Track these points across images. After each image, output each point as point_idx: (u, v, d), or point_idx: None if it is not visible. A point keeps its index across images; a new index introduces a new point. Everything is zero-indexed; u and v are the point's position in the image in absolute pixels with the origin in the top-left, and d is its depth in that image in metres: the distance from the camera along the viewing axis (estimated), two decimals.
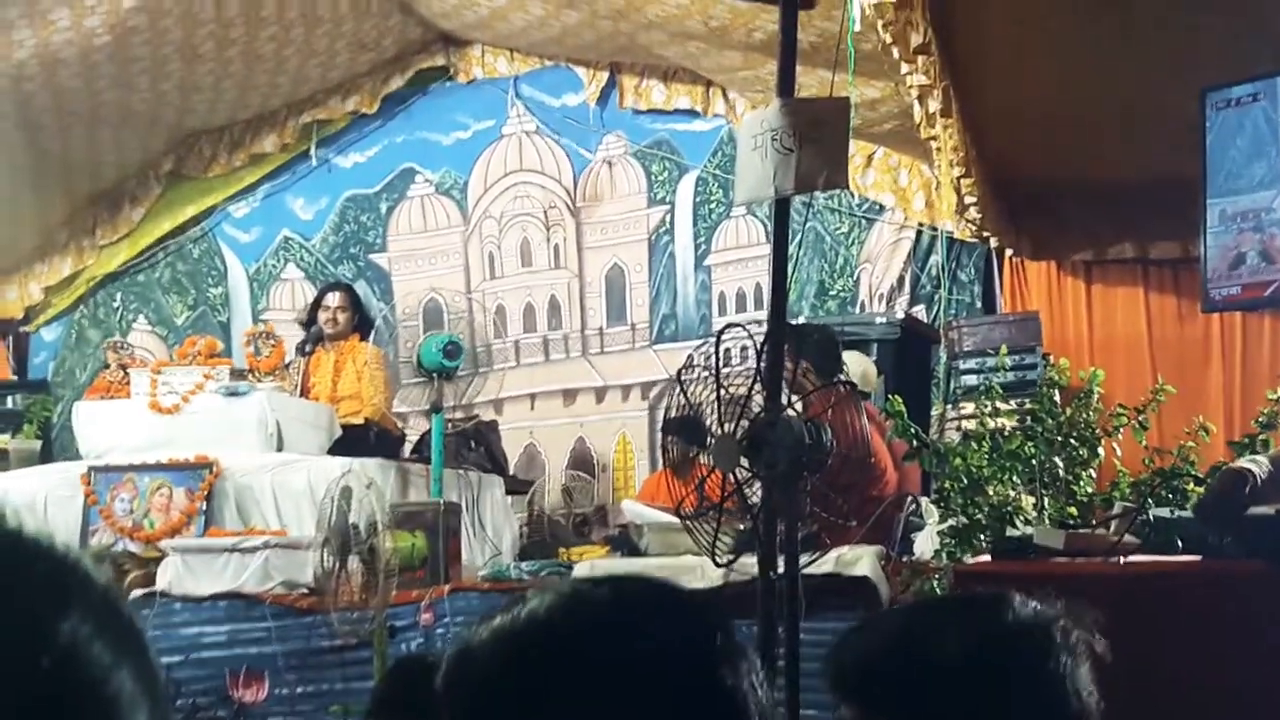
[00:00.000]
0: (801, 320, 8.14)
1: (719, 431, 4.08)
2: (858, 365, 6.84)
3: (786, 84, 4.08)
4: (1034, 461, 5.34)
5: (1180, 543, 4.22)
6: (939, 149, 6.16)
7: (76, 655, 0.68)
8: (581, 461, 10.03)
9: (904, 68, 5.26)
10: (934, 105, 5.54)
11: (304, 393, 8.46)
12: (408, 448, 8.76)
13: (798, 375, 4.09)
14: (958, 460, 5.40)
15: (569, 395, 10.26)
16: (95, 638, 0.69)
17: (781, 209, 4.14)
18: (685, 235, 10.01)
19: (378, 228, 10.83)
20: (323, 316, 8.64)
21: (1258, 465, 4.26)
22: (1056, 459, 5.37)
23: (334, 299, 8.73)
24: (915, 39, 4.93)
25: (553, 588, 1.36)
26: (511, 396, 10.08)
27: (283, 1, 9.14)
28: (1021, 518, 5.19)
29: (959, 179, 6.51)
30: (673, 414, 4.31)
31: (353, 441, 8.04)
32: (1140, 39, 5.61)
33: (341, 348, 8.58)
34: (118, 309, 11.12)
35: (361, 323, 8.77)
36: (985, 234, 7.83)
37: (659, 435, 8.91)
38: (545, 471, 9.97)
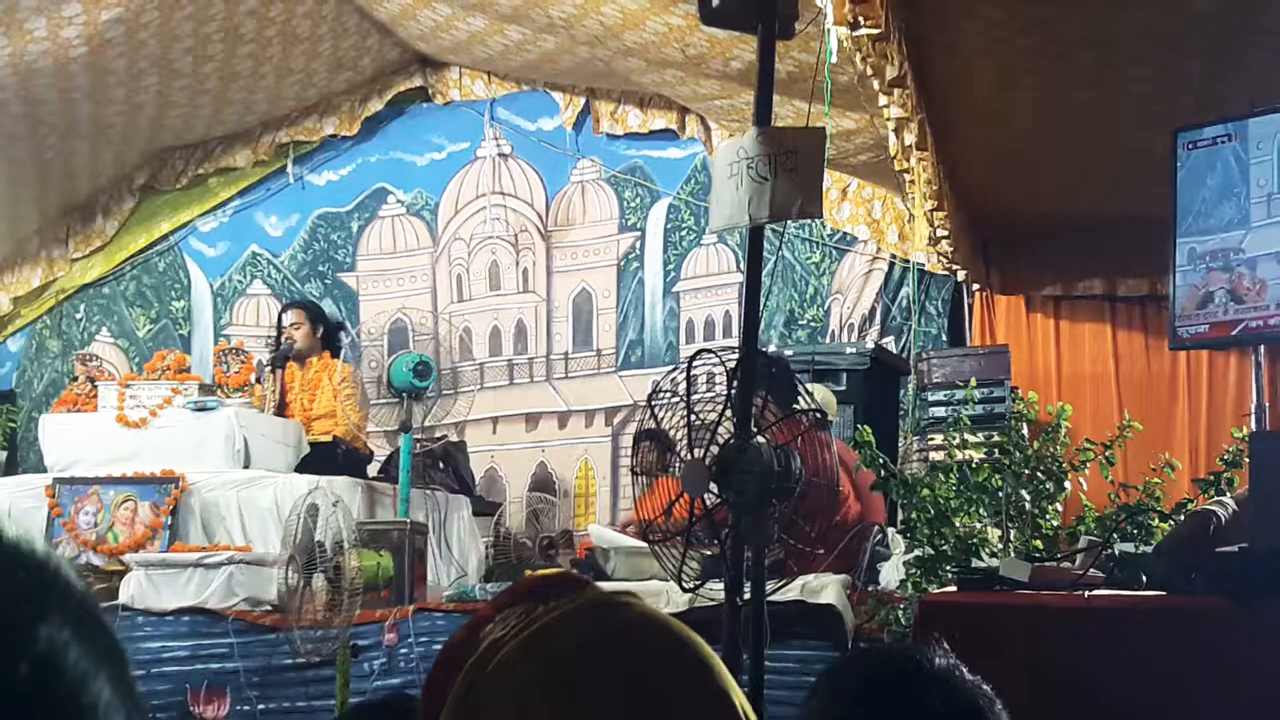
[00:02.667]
0: (771, 349, 8.17)
1: (689, 457, 4.09)
2: (817, 395, 6.86)
3: (763, 113, 4.10)
4: (1001, 494, 5.37)
5: (1145, 578, 4.24)
6: (913, 181, 6.19)
7: (54, 661, 0.68)
8: (543, 486, 10.01)
9: (881, 99, 5.29)
10: (909, 138, 5.57)
11: (282, 408, 8.44)
12: (375, 467, 8.74)
13: (766, 406, 4.10)
14: (925, 491, 5.43)
15: (532, 420, 10.25)
16: (73, 644, 0.69)
17: (755, 237, 4.16)
18: (655, 262, 10.03)
19: (348, 246, 10.81)
20: (284, 335, 8.66)
21: (1223, 507, 4.29)
22: (1023, 492, 5.41)
23: (288, 317, 8.75)
24: (891, 71, 4.96)
25: None
26: (474, 419, 10.06)
27: (261, 20, 9.13)
28: (987, 550, 5.21)
29: (931, 212, 6.55)
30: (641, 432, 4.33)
31: (320, 459, 8.03)
32: (1115, 79, 5.66)
33: (313, 364, 8.57)
34: (80, 320, 11.07)
35: (327, 338, 8.75)
36: (955, 267, 7.88)
37: (625, 458, 8.95)
38: (506, 495, 9.95)
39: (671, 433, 4.25)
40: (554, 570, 7.71)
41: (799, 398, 4.46)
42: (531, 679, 1.16)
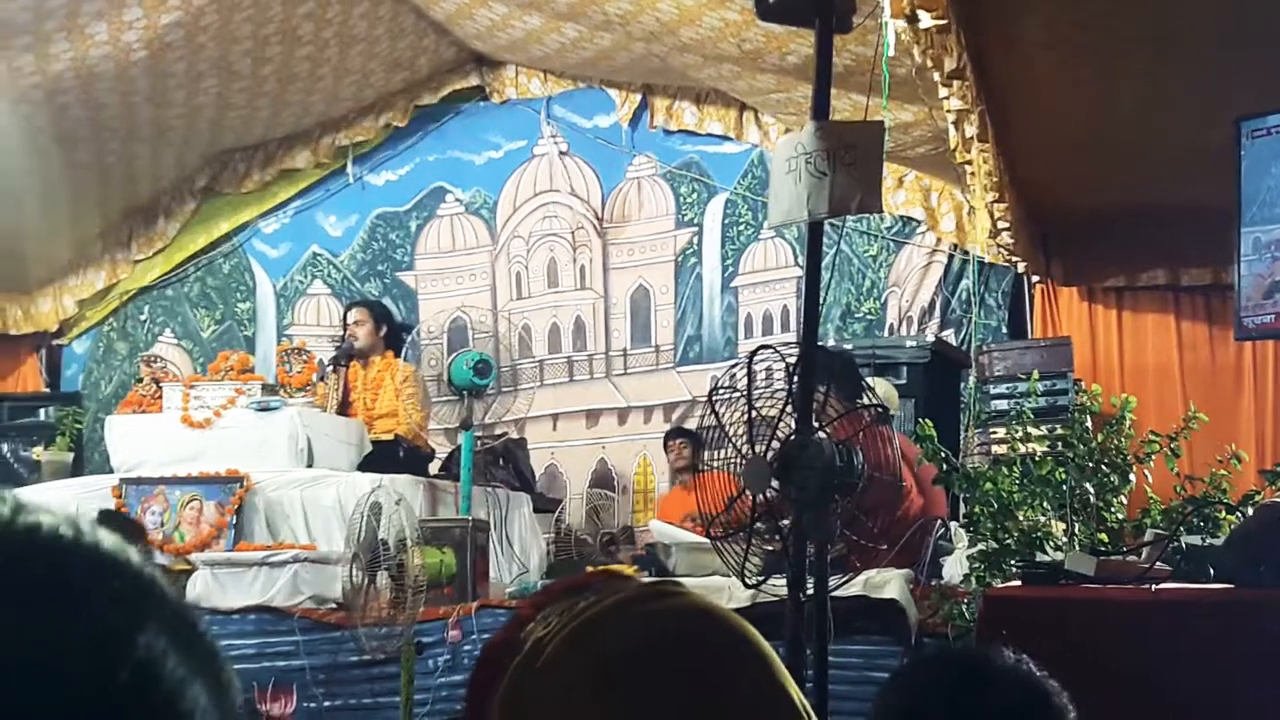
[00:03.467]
0: (829, 343, 8.15)
1: (750, 453, 4.09)
2: (879, 389, 6.85)
3: (821, 107, 4.09)
4: (1065, 487, 5.33)
5: (1212, 571, 4.21)
6: (973, 173, 6.16)
7: (154, 668, 0.68)
8: (602, 482, 10.03)
9: (941, 91, 5.27)
10: (970, 130, 5.54)
11: (344, 407, 8.50)
12: (436, 465, 8.79)
13: (828, 400, 4.09)
14: (988, 485, 5.40)
15: (591, 416, 10.27)
16: (171, 652, 0.70)
17: (815, 232, 4.15)
18: (713, 257, 10.02)
19: (406, 245, 10.87)
20: (347, 333, 8.73)
21: None
22: (1088, 485, 5.36)
23: (351, 315, 8.83)
24: (951, 63, 4.94)
25: None
26: (534, 416, 10.08)
27: (318, 21, 9.19)
28: (1052, 543, 5.18)
29: (992, 203, 6.51)
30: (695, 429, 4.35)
31: (382, 458, 8.07)
32: (1175, 68, 5.62)
33: (376, 363, 8.62)
34: (145, 322, 11.18)
35: (390, 337, 8.80)
36: (1016, 259, 7.84)
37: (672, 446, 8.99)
38: (567, 492, 9.98)
39: (730, 429, 4.24)
40: (594, 569, 7.74)
41: (863, 393, 4.46)
42: (580, 674, 1.15)
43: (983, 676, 1.93)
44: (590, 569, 6.18)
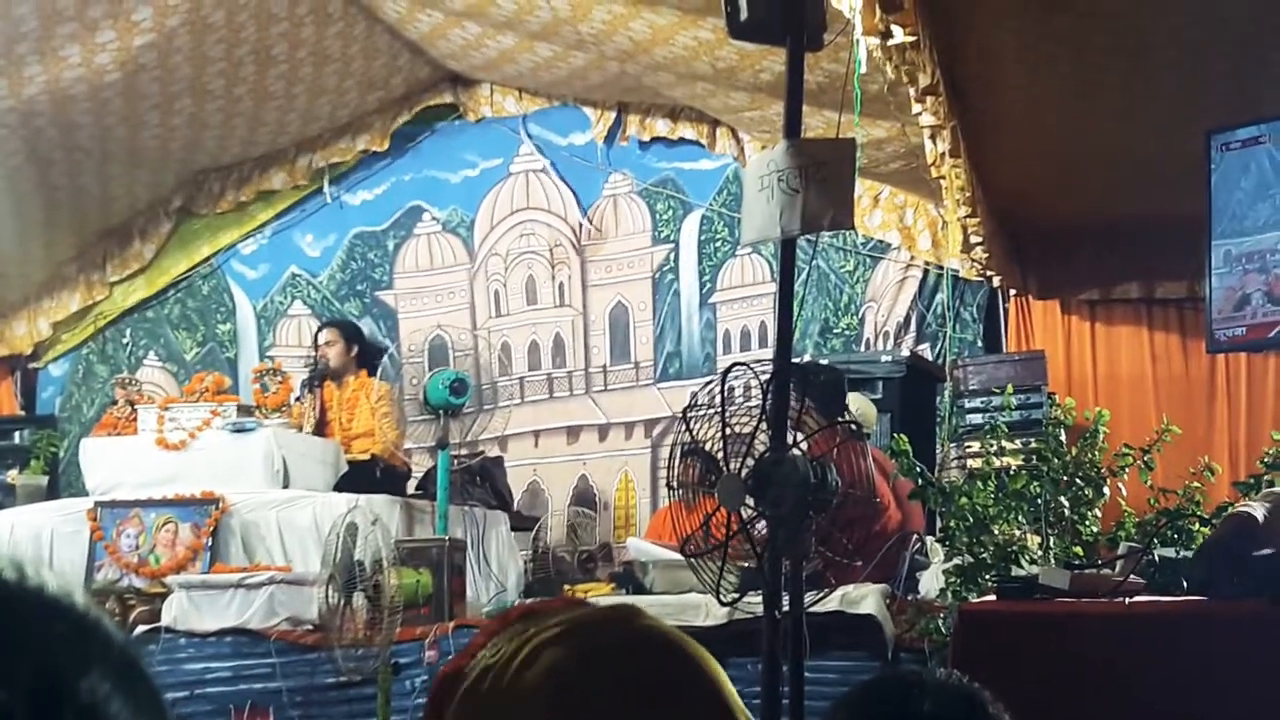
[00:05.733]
0: (807, 358, 8.16)
1: (724, 470, 4.09)
2: (856, 405, 6.86)
3: (793, 125, 4.09)
4: (1039, 501, 5.34)
5: (1185, 583, 4.23)
6: (946, 188, 6.18)
7: (96, 713, 0.69)
8: (584, 499, 10.02)
9: (915, 107, 5.29)
10: (942, 145, 5.57)
11: (321, 427, 8.49)
12: (413, 484, 8.77)
13: (803, 415, 4.09)
14: (963, 499, 5.40)
15: (572, 433, 10.26)
16: (115, 696, 0.70)
17: (787, 249, 4.15)
18: (690, 273, 10.03)
19: (385, 265, 10.86)
20: (319, 355, 8.73)
21: (1260, 507, 4.27)
22: (1062, 498, 5.38)
23: (322, 336, 8.82)
24: (924, 79, 4.96)
25: None
26: (515, 434, 10.07)
27: (292, 41, 9.19)
28: (1027, 557, 5.19)
29: (965, 218, 6.54)
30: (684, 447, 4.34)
31: (359, 478, 8.05)
32: (1147, 81, 5.65)
33: (350, 383, 8.62)
34: (127, 345, 11.15)
35: (363, 356, 8.79)
36: (990, 273, 7.86)
37: (664, 470, 8.94)
38: (548, 509, 9.97)
39: (708, 446, 4.24)
40: (569, 588, 7.73)
41: (845, 409, 4.46)
42: (535, 694, 1.15)
43: (917, 689, 1.98)
44: (566, 588, 6.19)
